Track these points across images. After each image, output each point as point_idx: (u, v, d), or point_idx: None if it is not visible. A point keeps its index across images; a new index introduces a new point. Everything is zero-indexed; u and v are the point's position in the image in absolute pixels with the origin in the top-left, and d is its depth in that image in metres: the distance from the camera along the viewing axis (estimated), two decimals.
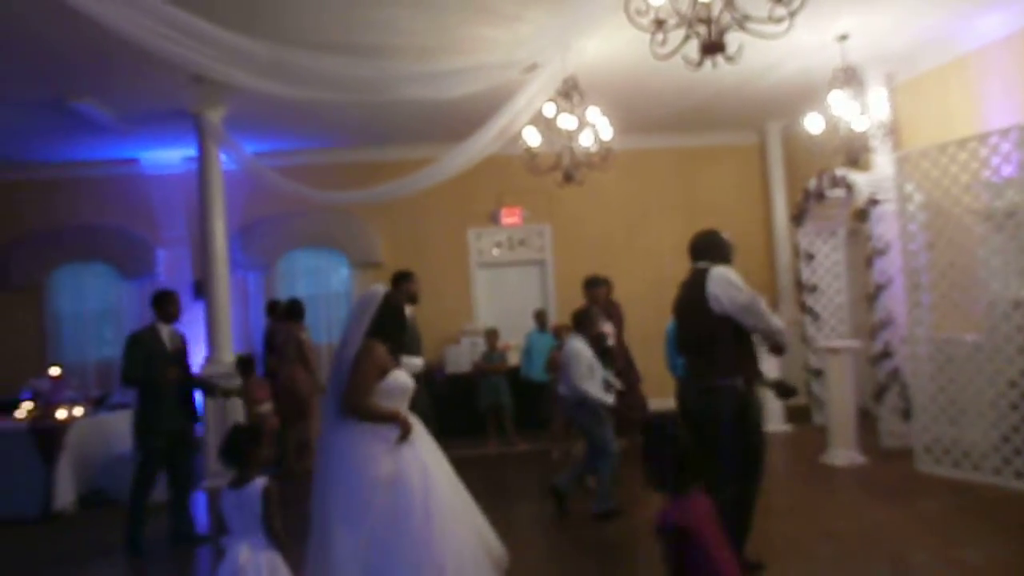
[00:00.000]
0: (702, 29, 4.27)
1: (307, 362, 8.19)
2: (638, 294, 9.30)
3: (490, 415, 8.95)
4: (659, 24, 4.29)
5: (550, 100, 6.61)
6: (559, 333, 8.36)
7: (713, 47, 4.29)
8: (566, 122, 6.65)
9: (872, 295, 7.62)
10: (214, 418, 7.70)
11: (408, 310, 6.08)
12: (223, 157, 8.32)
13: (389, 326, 3.89)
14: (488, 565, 3.73)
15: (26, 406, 7.39)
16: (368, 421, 3.69)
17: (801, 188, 8.81)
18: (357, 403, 3.68)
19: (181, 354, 6.09)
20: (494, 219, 10.82)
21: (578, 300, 7.02)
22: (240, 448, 3.61)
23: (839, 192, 8.04)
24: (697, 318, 4.22)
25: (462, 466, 4.03)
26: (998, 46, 6.84)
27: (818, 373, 8.55)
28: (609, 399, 5.96)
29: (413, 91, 6.04)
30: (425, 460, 3.72)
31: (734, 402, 4.12)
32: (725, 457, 4.11)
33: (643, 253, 10.51)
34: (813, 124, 7.36)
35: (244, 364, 7.67)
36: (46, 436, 7.06)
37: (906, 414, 7.20)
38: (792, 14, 4.02)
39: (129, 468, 6.27)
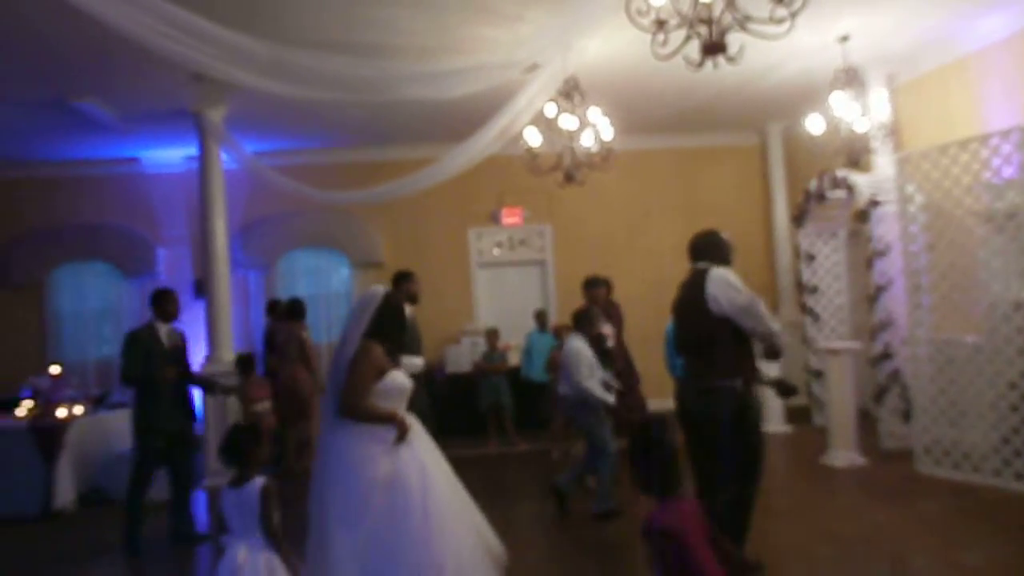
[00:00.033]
0: (703, 30, 4.26)
1: (308, 361, 8.19)
2: (639, 295, 9.30)
3: (490, 415, 8.95)
4: (660, 24, 4.29)
5: (551, 100, 6.60)
6: (559, 333, 8.37)
7: (714, 48, 4.28)
8: (567, 122, 6.65)
9: (872, 296, 7.62)
10: (214, 417, 7.70)
11: (409, 310, 6.10)
12: (224, 156, 8.31)
13: (388, 327, 3.89)
14: (488, 564, 3.73)
15: (26, 404, 7.40)
16: (365, 422, 3.69)
17: (802, 189, 8.81)
18: (354, 404, 3.68)
19: (180, 353, 6.09)
20: (495, 219, 10.82)
21: (578, 300, 7.02)
22: (240, 447, 3.62)
23: (840, 193, 8.04)
24: (696, 319, 4.22)
25: (462, 466, 4.03)
26: (999, 47, 6.84)
27: (818, 374, 8.55)
28: (610, 398, 5.96)
29: (414, 91, 6.04)
30: (423, 460, 3.72)
31: (733, 403, 4.12)
32: (724, 458, 4.11)
33: (644, 253, 10.51)
34: (814, 125, 7.36)
35: (243, 363, 7.68)
36: (46, 434, 7.06)
37: (906, 415, 7.19)
38: (793, 15, 4.01)
39: (129, 467, 6.27)
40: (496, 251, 10.94)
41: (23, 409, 7.36)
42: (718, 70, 4.57)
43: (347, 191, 8.62)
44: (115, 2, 4.14)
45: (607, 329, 6.62)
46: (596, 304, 6.70)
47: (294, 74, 5.27)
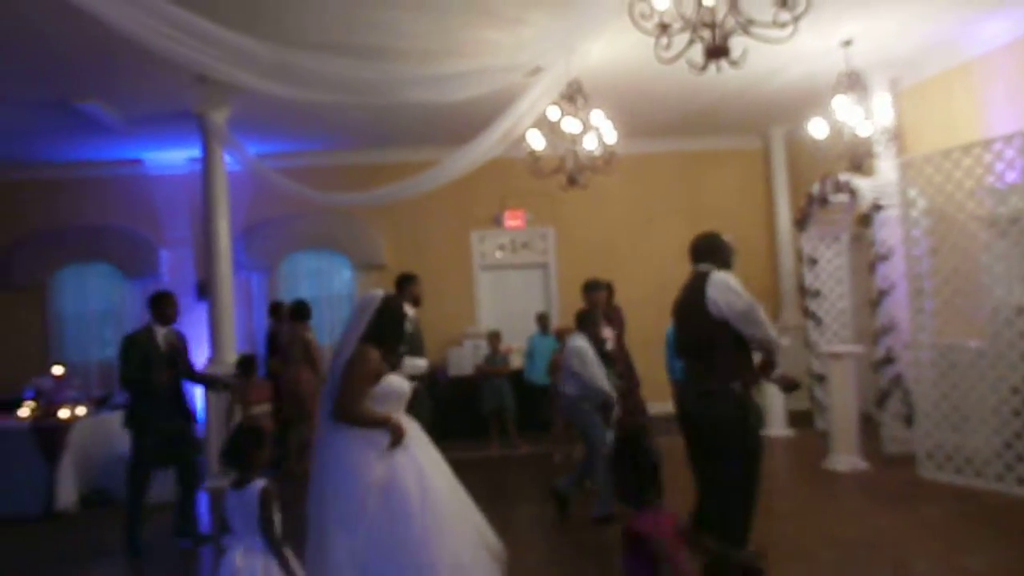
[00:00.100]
0: (706, 33, 4.27)
1: (314, 363, 8.19)
2: (641, 298, 9.28)
3: (493, 418, 8.95)
4: (663, 28, 4.29)
5: (554, 103, 6.61)
6: (561, 336, 8.36)
7: (717, 51, 4.28)
8: (570, 125, 6.65)
9: (875, 300, 7.61)
10: (216, 419, 7.70)
11: (412, 312, 6.12)
12: (227, 158, 8.33)
13: (386, 331, 3.87)
14: (488, 566, 3.72)
15: (29, 405, 7.41)
16: (359, 426, 3.68)
17: (804, 193, 8.80)
18: (348, 408, 3.68)
19: (178, 355, 6.05)
20: (497, 222, 10.83)
21: (580, 303, 7.01)
22: (242, 449, 3.61)
23: (842, 197, 8.03)
24: (696, 321, 4.21)
25: (463, 468, 4.02)
26: (1002, 52, 6.84)
27: (820, 378, 8.53)
28: (613, 394, 5.99)
29: (416, 94, 6.06)
30: (421, 463, 3.70)
31: (733, 406, 4.11)
32: (725, 461, 4.10)
33: (646, 257, 10.50)
34: (817, 129, 7.35)
35: (245, 364, 7.67)
36: (48, 435, 7.07)
37: (909, 420, 7.18)
38: (796, 19, 4.02)
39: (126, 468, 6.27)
40: (498, 254, 10.95)
41: (26, 410, 7.37)
42: (721, 74, 4.57)
43: (349, 193, 8.63)
44: (119, 4, 4.15)
45: (607, 332, 6.63)
46: (597, 307, 6.70)
47: (297, 76, 5.29)
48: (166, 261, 10.40)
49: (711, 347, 4.14)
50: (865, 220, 7.78)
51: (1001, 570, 4.54)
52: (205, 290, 8.72)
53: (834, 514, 5.89)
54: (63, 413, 7.25)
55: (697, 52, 4.31)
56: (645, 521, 2.93)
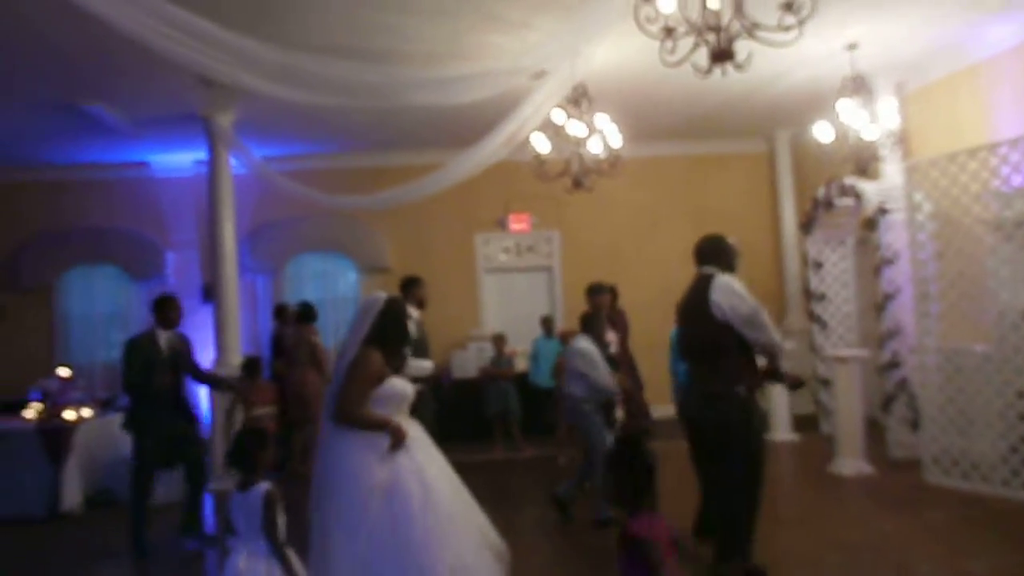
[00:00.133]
0: (711, 37, 4.27)
1: (320, 365, 8.20)
2: (646, 301, 9.28)
3: (497, 421, 8.95)
4: (668, 32, 4.29)
5: (559, 107, 6.61)
6: (565, 339, 8.36)
7: (722, 55, 4.28)
8: (575, 129, 6.65)
9: (880, 304, 7.59)
10: (220, 419, 7.72)
11: (417, 314, 6.13)
12: (233, 161, 8.36)
13: (389, 333, 3.87)
14: (492, 568, 3.72)
15: (35, 406, 7.44)
16: (360, 429, 3.68)
17: (810, 196, 8.80)
18: (348, 411, 3.68)
19: (181, 358, 6.05)
20: (502, 225, 10.84)
21: (585, 307, 7.01)
22: (246, 451, 3.63)
23: (848, 201, 8.02)
24: (700, 324, 4.21)
25: (468, 471, 4.02)
26: (1008, 55, 6.82)
27: (826, 382, 8.52)
28: (612, 385, 6.00)
29: (421, 97, 6.06)
30: (422, 465, 3.69)
31: (738, 409, 4.10)
32: (729, 464, 4.09)
33: (651, 260, 10.49)
34: (822, 132, 7.34)
35: (249, 366, 7.68)
36: (54, 436, 7.09)
37: (914, 424, 7.16)
38: (802, 22, 4.01)
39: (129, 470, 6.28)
40: (503, 257, 10.96)
41: (31, 411, 7.40)
42: (726, 77, 4.56)
43: (354, 196, 8.65)
44: (124, 6, 4.17)
45: (610, 336, 6.62)
46: (600, 311, 6.70)
47: (302, 79, 5.30)
48: (172, 263, 10.43)
49: (715, 350, 4.14)
50: (870, 224, 7.76)
51: (1005, 575, 4.53)
52: (210, 292, 8.74)
53: (839, 518, 5.87)
54: (69, 415, 7.28)
55: (702, 56, 4.31)
56: (641, 525, 2.95)
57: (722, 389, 4.11)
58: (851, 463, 7.05)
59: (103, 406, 8.02)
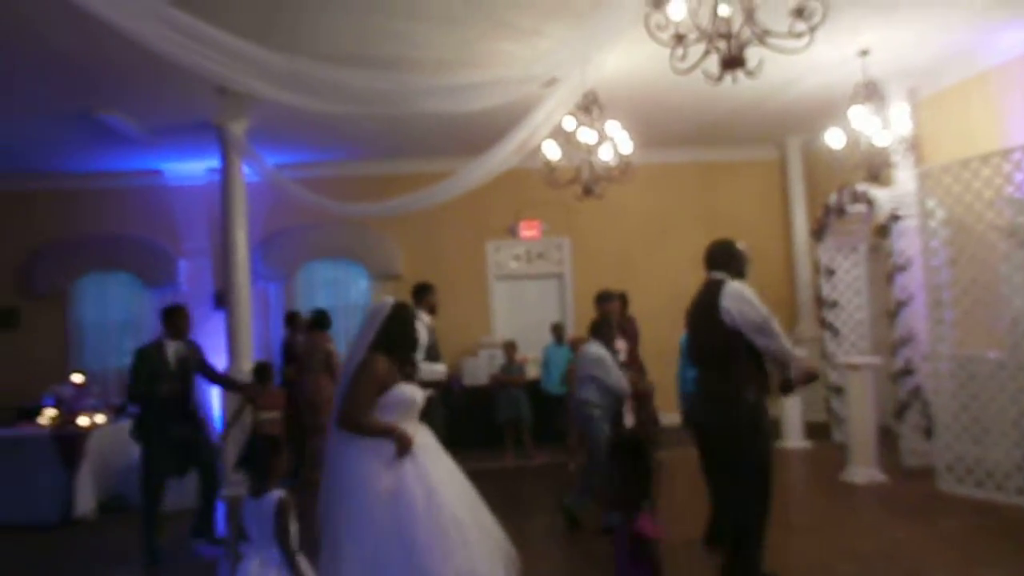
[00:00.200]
0: (722, 44, 4.27)
1: (335, 372, 8.20)
2: (656, 308, 9.25)
3: (508, 428, 8.95)
4: (679, 39, 4.30)
5: (569, 114, 6.63)
6: (575, 346, 8.36)
7: (733, 62, 4.29)
8: (586, 136, 6.66)
9: (893, 311, 7.56)
10: (230, 423, 7.75)
11: (429, 320, 6.15)
12: (245, 169, 8.41)
13: (396, 339, 3.86)
14: (502, 573, 3.70)
15: (49, 413, 7.49)
16: (364, 435, 3.67)
17: (821, 203, 8.77)
18: (352, 417, 3.67)
19: (190, 366, 6.04)
20: (513, 232, 10.85)
21: (595, 314, 7.00)
22: (259, 457, 3.63)
23: (860, 207, 7.99)
24: (710, 330, 4.19)
25: (478, 479, 4.02)
26: (1020, 61, 6.79)
27: (838, 390, 8.47)
28: (628, 388, 6.01)
29: (432, 104, 6.08)
30: (428, 472, 3.67)
31: (747, 415, 4.08)
32: (739, 471, 4.06)
33: (662, 267, 10.48)
34: (834, 139, 7.33)
35: (260, 372, 7.71)
36: (68, 442, 7.14)
37: (928, 432, 7.11)
38: (813, 29, 4.01)
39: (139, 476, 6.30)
40: (514, 264, 10.97)
41: (46, 417, 7.45)
42: (737, 84, 4.57)
43: (366, 204, 8.68)
44: (139, 16, 4.21)
45: (619, 343, 6.61)
46: (610, 318, 6.70)
47: (314, 87, 5.33)
48: (184, 271, 10.49)
49: (725, 356, 4.12)
50: (883, 231, 7.73)
51: None
52: (223, 299, 8.79)
53: (852, 527, 5.84)
54: (82, 421, 7.33)
55: (713, 63, 4.31)
56: (646, 524, 2.98)
57: (731, 394, 4.10)
58: (864, 471, 7.01)
59: (116, 412, 8.07)
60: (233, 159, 8.26)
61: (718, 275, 4.29)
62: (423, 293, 6.36)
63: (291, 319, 9.26)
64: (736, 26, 4.24)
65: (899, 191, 7.65)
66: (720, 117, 9.08)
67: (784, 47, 4.12)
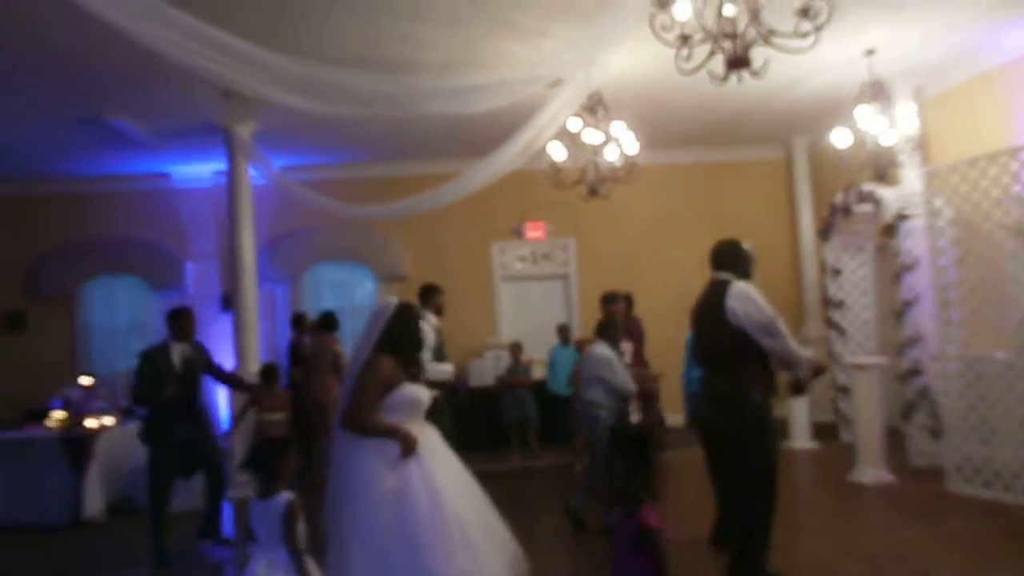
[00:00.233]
0: (727, 44, 4.27)
1: (343, 374, 8.22)
2: (662, 309, 9.26)
3: (514, 429, 8.95)
4: (684, 39, 4.30)
5: (575, 115, 6.63)
6: (581, 347, 8.36)
7: (739, 62, 4.28)
8: (591, 137, 6.67)
9: (900, 311, 7.53)
10: (240, 428, 7.77)
11: (436, 322, 6.16)
12: (252, 171, 8.43)
13: (401, 339, 3.86)
14: (508, 574, 3.70)
15: (57, 415, 7.52)
16: (368, 436, 3.68)
17: (828, 203, 8.75)
18: (356, 418, 3.67)
19: (196, 367, 6.05)
20: (518, 233, 10.86)
21: (601, 315, 7.01)
22: (268, 459, 3.63)
23: (866, 207, 7.97)
24: (715, 329, 4.18)
25: (485, 480, 4.01)
26: None
27: (845, 390, 8.45)
28: (635, 388, 6.01)
29: (437, 106, 6.09)
30: (432, 471, 3.66)
31: (753, 414, 4.07)
32: (744, 471, 4.05)
33: (668, 268, 10.46)
34: (840, 138, 7.31)
35: (266, 373, 7.73)
36: (76, 445, 7.17)
37: (935, 432, 7.08)
38: (818, 29, 4.01)
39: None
40: (519, 265, 10.97)
41: (54, 419, 7.48)
42: (742, 84, 4.56)
43: (372, 206, 8.69)
44: (145, 19, 4.22)
45: (624, 345, 6.61)
46: (615, 318, 6.70)
47: (319, 90, 5.34)
48: (191, 273, 10.53)
49: (730, 356, 4.11)
50: (890, 230, 7.71)
51: None
52: (230, 302, 8.82)
53: (859, 527, 5.82)
54: (91, 423, 7.36)
55: (718, 63, 4.31)
56: (652, 516, 2.99)
57: (737, 394, 4.08)
58: (871, 471, 6.98)
59: (124, 414, 8.10)
60: (239, 162, 8.29)
61: (723, 275, 4.28)
62: (430, 294, 6.37)
63: (297, 321, 9.28)
64: (741, 26, 4.24)
65: (906, 190, 7.63)
66: (725, 117, 9.07)
67: (789, 47, 4.12)
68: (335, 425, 3.89)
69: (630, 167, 6.92)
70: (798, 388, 4.32)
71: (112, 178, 10.34)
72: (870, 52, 6.98)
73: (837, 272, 8.82)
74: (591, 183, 6.96)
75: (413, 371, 3.91)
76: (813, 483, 7.46)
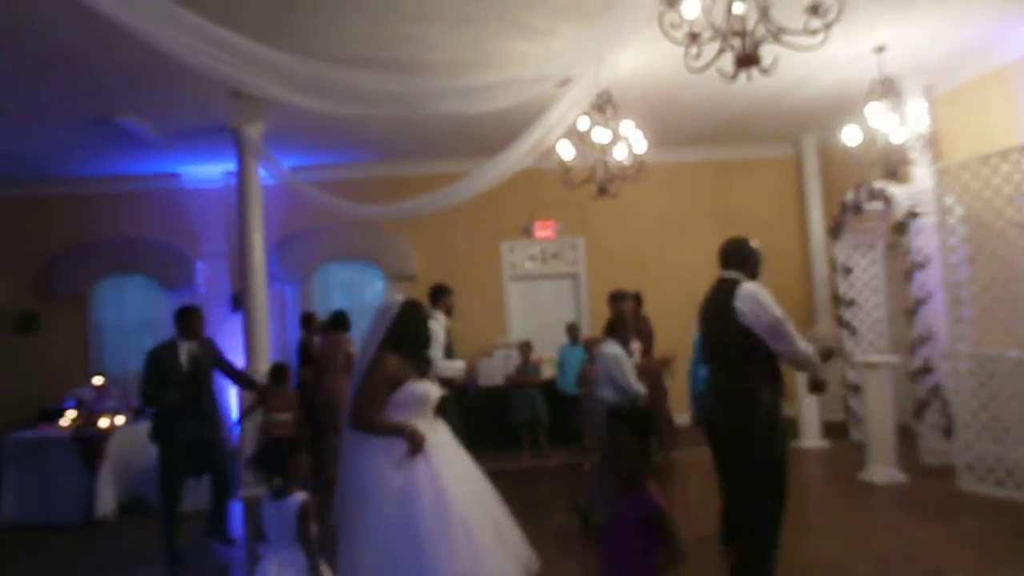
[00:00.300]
0: (736, 42, 4.26)
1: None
2: (671, 308, 9.24)
3: (524, 428, 8.95)
4: (693, 37, 4.29)
5: (583, 114, 6.62)
6: (589, 346, 8.35)
7: (748, 60, 4.27)
8: (600, 135, 6.66)
9: (911, 309, 7.50)
10: (251, 427, 7.80)
11: (445, 321, 6.17)
12: (262, 172, 8.46)
13: (406, 337, 3.87)
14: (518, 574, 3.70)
15: (70, 415, 7.57)
16: (375, 435, 3.68)
17: (838, 201, 8.72)
18: (363, 417, 3.68)
19: (202, 366, 6.04)
20: (527, 232, 10.86)
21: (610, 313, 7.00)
22: (279, 459, 3.64)
23: (877, 205, 7.94)
24: (724, 328, 4.15)
25: (495, 479, 4.02)
26: None
27: (856, 388, 8.42)
28: (643, 390, 6.00)
29: (445, 106, 6.09)
30: (439, 470, 3.66)
31: (763, 414, 4.06)
32: (753, 471, 4.04)
33: (677, 267, 10.44)
34: (850, 136, 7.28)
35: (276, 373, 7.75)
36: (89, 444, 7.22)
37: (947, 431, 7.05)
38: (828, 26, 3.99)
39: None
40: (528, 264, 10.97)
41: (67, 419, 7.53)
42: (752, 82, 4.54)
43: (381, 205, 8.71)
44: (154, 20, 4.24)
45: (634, 344, 6.61)
46: (624, 317, 6.69)
47: (328, 90, 5.35)
48: (202, 273, 10.57)
49: (739, 355, 4.09)
50: (900, 228, 7.67)
51: None
52: (240, 301, 8.85)
53: (870, 526, 5.80)
54: (103, 422, 7.40)
55: (727, 61, 4.30)
56: (659, 498, 3.01)
57: (744, 393, 4.07)
58: (883, 470, 6.95)
59: (136, 414, 8.14)
60: (249, 162, 8.32)
61: (731, 274, 4.25)
62: (440, 295, 6.39)
63: (307, 321, 9.31)
64: (751, 24, 4.23)
65: (916, 188, 7.59)
66: (735, 115, 9.05)
67: (799, 44, 4.10)
68: (343, 424, 3.90)
69: (639, 166, 6.91)
70: (816, 386, 4.29)
71: (123, 179, 10.40)
72: (880, 49, 6.95)
73: (848, 270, 8.79)
74: (600, 182, 6.96)
75: (420, 368, 3.91)
76: (823, 482, 7.44)
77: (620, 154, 6.83)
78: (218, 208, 10.30)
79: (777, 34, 4.16)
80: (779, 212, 10.90)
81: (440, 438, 3.83)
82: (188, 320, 6.06)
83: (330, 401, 8.10)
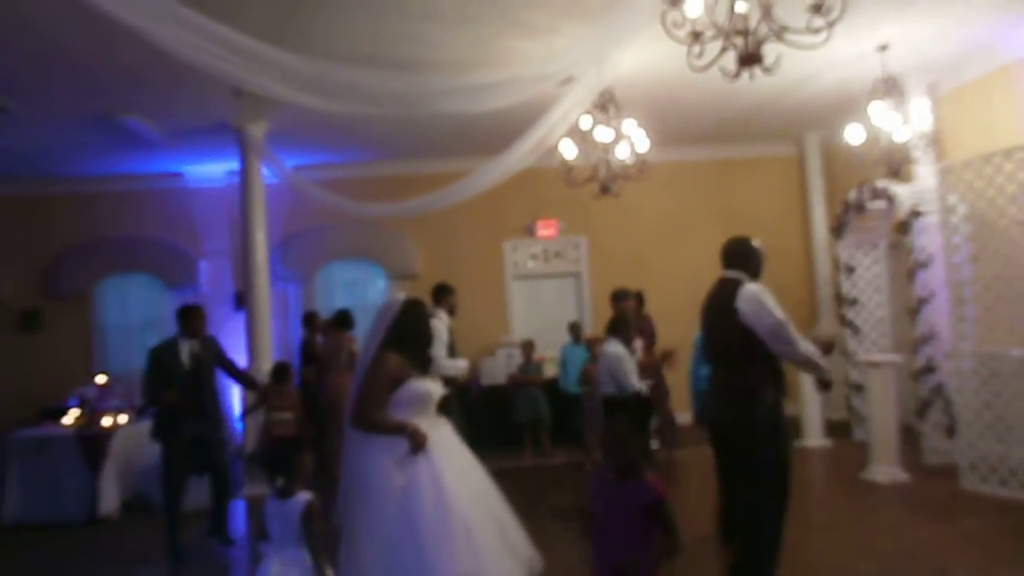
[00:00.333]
0: (739, 41, 4.25)
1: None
2: (674, 307, 9.21)
3: (527, 427, 8.95)
4: (696, 36, 4.28)
5: (586, 113, 6.62)
6: (591, 345, 8.34)
7: (750, 58, 4.27)
8: (602, 134, 6.66)
9: (914, 309, 7.49)
10: (253, 426, 7.81)
11: (448, 321, 6.17)
12: (265, 171, 8.47)
13: (407, 336, 3.86)
14: (519, 573, 3.70)
15: (73, 413, 7.59)
16: (376, 433, 3.68)
17: (841, 200, 8.70)
18: (364, 416, 3.68)
19: (203, 365, 6.04)
20: (530, 231, 10.86)
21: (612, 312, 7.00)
22: (283, 459, 3.64)
23: (880, 204, 7.93)
24: (726, 328, 4.14)
25: (497, 478, 4.01)
26: None
27: (859, 388, 8.41)
28: (640, 388, 6.00)
29: (448, 104, 6.09)
30: (441, 470, 3.65)
31: (764, 414, 4.05)
32: (754, 470, 4.03)
33: (679, 266, 10.43)
34: (853, 135, 7.27)
35: (278, 372, 7.75)
36: (92, 443, 7.23)
37: (950, 430, 7.04)
38: (831, 25, 3.99)
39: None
40: (531, 263, 10.97)
41: (70, 418, 7.54)
42: (754, 81, 4.54)
43: (384, 204, 8.71)
44: (152, 17, 4.24)
45: (636, 343, 6.61)
46: (626, 316, 6.69)
47: (331, 89, 5.35)
48: (205, 272, 10.59)
49: (741, 354, 4.08)
50: (903, 227, 7.66)
51: None
52: (243, 300, 8.86)
53: (873, 525, 5.79)
54: (106, 421, 7.42)
55: (730, 60, 4.29)
56: (660, 485, 3.04)
57: (746, 392, 4.06)
58: (885, 469, 6.95)
59: (139, 412, 8.15)
60: (252, 161, 8.33)
61: (733, 274, 4.25)
62: (443, 294, 6.40)
63: (309, 320, 9.32)
64: (753, 22, 4.23)
65: (920, 187, 7.58)
66: (737, 114, 9.04)
67: (802, 43, 4.10)
68: (346, 422, 3.90)
69: (641, 165, 6.91)
70: (823, 385, 4.29)
71: (126, 178, 10.41)
72: (883, 47, 6.94)
73: (851, 269, 8.77)
74: (602, 181, 6.96)
75: (422, 367, 3.91)
76: (826, 481, 7.43)
77: (622, 153, 6.83)
78: (221, 207, 10.31)
79: (780, 33, 4.15)
80: (782, 211, 10.89)
81: (443, 437, 3.82)
82: (189, 318, 6.07)
83: (333, 400, 8.11)
